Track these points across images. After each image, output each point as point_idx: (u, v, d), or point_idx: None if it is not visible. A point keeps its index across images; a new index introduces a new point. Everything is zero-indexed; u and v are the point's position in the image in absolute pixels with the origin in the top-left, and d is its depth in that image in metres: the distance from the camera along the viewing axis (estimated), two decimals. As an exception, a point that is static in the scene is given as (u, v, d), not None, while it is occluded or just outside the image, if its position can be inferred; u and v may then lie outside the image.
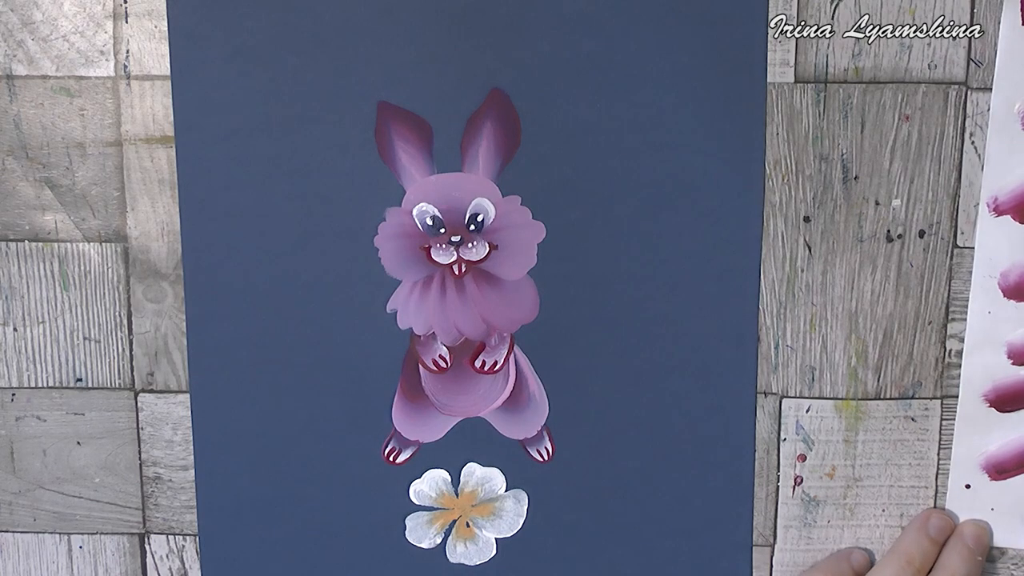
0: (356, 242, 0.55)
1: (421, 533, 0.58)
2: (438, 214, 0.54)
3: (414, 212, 0.54)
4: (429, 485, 0.57)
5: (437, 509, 0.57)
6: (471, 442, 0.57)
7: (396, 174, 0.54)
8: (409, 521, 0.57)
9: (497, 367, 0.56)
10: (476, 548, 0.58)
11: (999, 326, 0.55)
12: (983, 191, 0.54)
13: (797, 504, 0.57)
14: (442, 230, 0.55)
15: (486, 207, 0.54)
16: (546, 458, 0.57)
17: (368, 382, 0.56)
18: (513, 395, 0.56)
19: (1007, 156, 0.53)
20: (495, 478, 0.57)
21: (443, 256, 0.55)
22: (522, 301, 0.55)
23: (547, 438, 0.57)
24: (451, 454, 0.57)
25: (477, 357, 0.56)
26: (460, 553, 0.58)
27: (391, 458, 0.57)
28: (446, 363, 0.56)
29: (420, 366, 0.56)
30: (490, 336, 0.56)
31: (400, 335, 0.56)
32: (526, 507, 0.57)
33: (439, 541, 0.58)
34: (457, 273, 0.55)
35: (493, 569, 0.58)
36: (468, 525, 0.58)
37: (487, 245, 0.55)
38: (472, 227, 0.55)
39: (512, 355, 0.56)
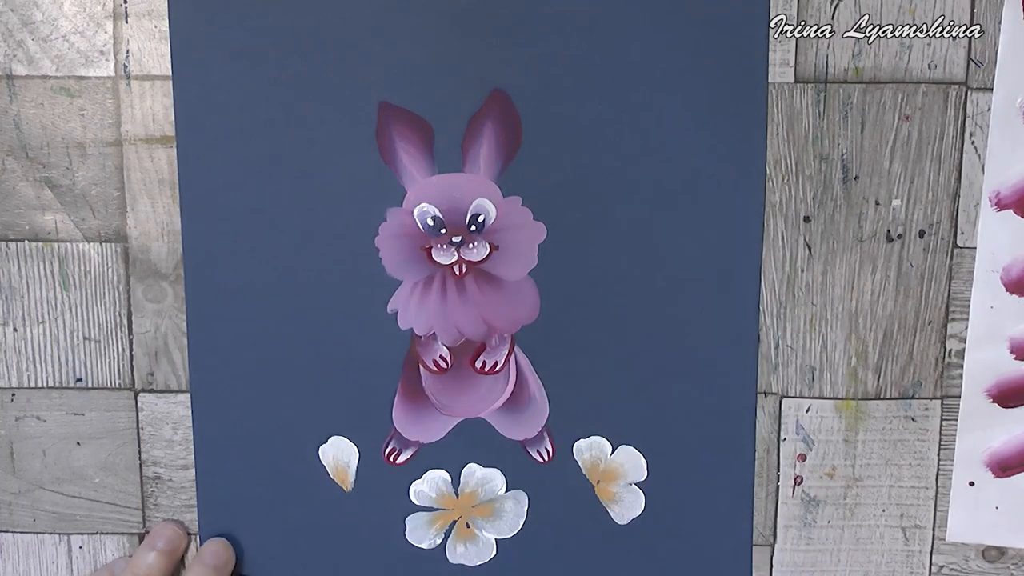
0: (357, 242, 0.55)
1: (421, 533, 0.58)
2: (439, 214, 0.54)
3: (415, 212, 0.54)
4: (429, 486, 0.57)
5: (437, 510, 0.57)
6: (471, 443, 0.57)
7: (397, 174, 0.54)
8: (409, 521, 0.57)
9: (498, 368, 0.56)
10: (476, 549, 0.58)
11: (1001, 321, 0.55)
12: (985, 185, 0.54)
13: (797, 504, 0.57)
14: (443, 230, 0.55)
15: (487, 207, 0.54)
16: (546, 459, 0.57)
17: (368, 382, 0.56)
18: (513, 396, 0.56)
19: (1009, 151, 0.53)
20: (495, 479, 0.57)
21: (444, 256, 0.55)
22: (523, 302, 0.55)
23: (547, 439, 0.57)
24: (451, 455, 0.57)
25: (478, 358, 0.56)
26: (460, 554, 0.58)
27: (391, 458, 0.57)
28: (446, 363, 0.56)
29: (421, 366, 0.56)
30: (491, 337, 0.56)
31: (401, 335, 0.56)
32: (526, 508, 0.57)
33: (439, 542, 0.58)
34: (458, 274, 0.55)
35: (493, 570, 0.58)
36: (468, 526, 0.58)
37: (488, 245, 0.55)
38: (473, 228, 0.55)
39: (512, 356, 0.56)
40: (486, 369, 0.56)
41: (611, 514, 0.57)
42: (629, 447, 0.57)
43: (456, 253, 0.55)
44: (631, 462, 0.57)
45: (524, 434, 0.57)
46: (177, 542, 0.57)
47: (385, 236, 0.55)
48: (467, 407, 0.57)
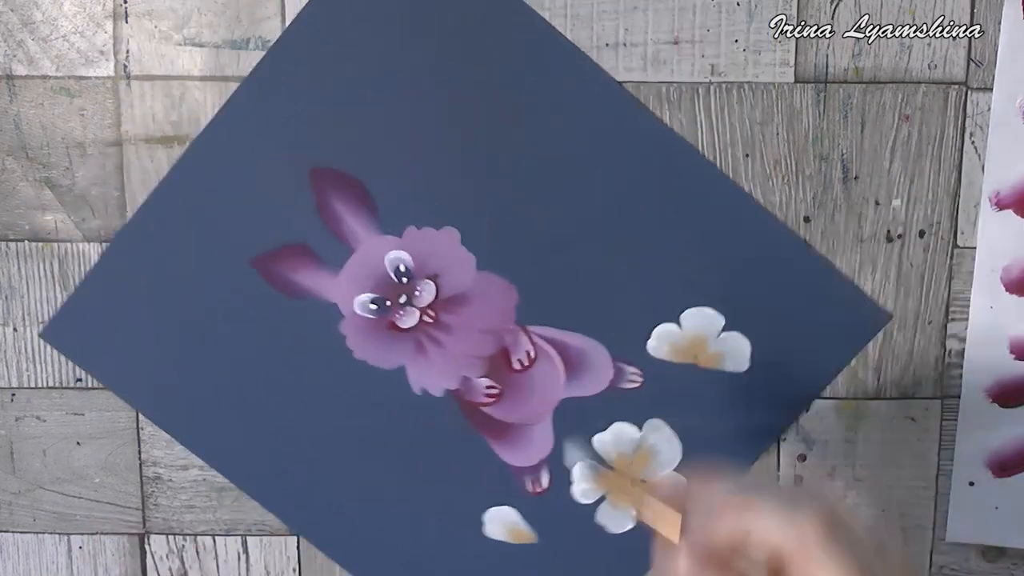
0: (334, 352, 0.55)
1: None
2: (375, 297, 0.55)
3: (356, 305, 0.55)
4: (613, 440, 0.56)
5: (600, 470, 0.57)
6: (574, 426, 0.56)
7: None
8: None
9: (533, 356, 0.56)
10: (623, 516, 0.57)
11: (1001, 321, 0.55)
12: (985, 185, 0.54)
13: (797, 504, 0.57)
14: (388, 303, 0.55)
15: (399, 256, 0.54)
16: (640, 383, 0.56)
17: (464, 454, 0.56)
18: (569, 365, 0.56)
19: (1009, 151, 0.53)
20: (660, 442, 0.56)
21: (408, 320, 0.55)
22: (495, 295, 0.55)
23: (631, 367, 0.56)
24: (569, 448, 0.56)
25: (511, 362, 0.56)
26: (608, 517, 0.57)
27: (537, 488, 0.56)
28: (496, 388, 0.56)
29: (480, 410, 0.56)
30: (502, 336, 0.55)
31: (443, 403, 0.56)
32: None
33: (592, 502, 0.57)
34: (432, 320, 0.55)
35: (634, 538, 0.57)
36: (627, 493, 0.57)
37: (429, 281, 0.54)
38: (405, 279, 0.54)
39: (533, 338, 0.55)
40: (525, 364, 0.56)
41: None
42: None
43: (414, 310, 0.55)
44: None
45: (604, 382, 0.56)
46: None
47: (353, 335, 0.55)
48: (543, 404, 0.56)
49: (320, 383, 0.55)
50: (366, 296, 0.55)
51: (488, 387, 0.56)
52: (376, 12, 0.52)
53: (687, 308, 0.55)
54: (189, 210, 0.54)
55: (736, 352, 0.55)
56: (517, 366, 0.56)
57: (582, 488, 0.56)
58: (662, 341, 0.55)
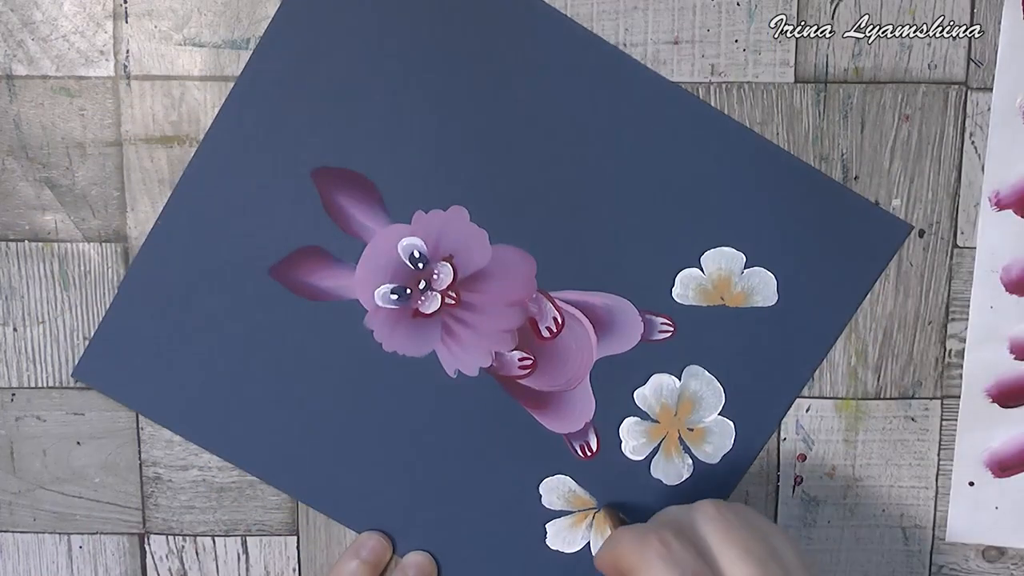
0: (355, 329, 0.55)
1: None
2: (395, 287, 0.55)
3: (377, 297, 0.55)
4: (652, 391, 0.56)
5: (653, 422, 0.56)
6: (615, 382, 0.56)
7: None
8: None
9: (560, 322, 0.55)
10: (675, 467, 0.57)
11: (1001, 321, 0.55)
12: (985, 185, 0.54)
13: (797, 504, 0.57)
14: (408, 291, 0.55)
15: (412, 242, 0.54)
16: (671, 332, 0.56)
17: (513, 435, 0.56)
18: (597, 325, 0.55)
19: (1008, 151, 0.53)
20: (705, 395, 0.56)
21: (431, 305, 0.55)
22: (515, 267, 0.55)
23: (660, 317, 0.55)
24: (610, 411, 0.56)
25: (538, 329, 0.55)
26: (661, 469, 0.57)
27: (587, 453, 0.56)
28: (530, 359, 0.56)
29: (518, 381, 0.56)
30: (527, 307, 0.55)
31: (480, 385, 0.56)
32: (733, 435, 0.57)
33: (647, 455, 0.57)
34: (454, 302, 0.55)
35: (687, 490, 0.57)
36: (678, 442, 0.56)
37: (445, 261, 0.54)
38: (421, 264, 0.54)
39: (556, 304, 0.55)
40: (554, 330, 0.55)
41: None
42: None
43: (435, 294, 0.55)
44: None
45: (635, 337, 0.55)
46: (381, 553, 0.56)
47: (379, 328, 0.55)
48: (578, 367, 0.56)
49: (356, 381, 0.55)
50: (386, 287, 0.55)
51: (521, 359, 0.55)
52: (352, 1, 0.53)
53: (706, 250, 0.55)
54: (200, 231, 0.54)
55: (763, 286, 0.55)
56: (546, 334, 0.55)
57: (633, 445, 0.56)
58: (686, 287, 0.55)
